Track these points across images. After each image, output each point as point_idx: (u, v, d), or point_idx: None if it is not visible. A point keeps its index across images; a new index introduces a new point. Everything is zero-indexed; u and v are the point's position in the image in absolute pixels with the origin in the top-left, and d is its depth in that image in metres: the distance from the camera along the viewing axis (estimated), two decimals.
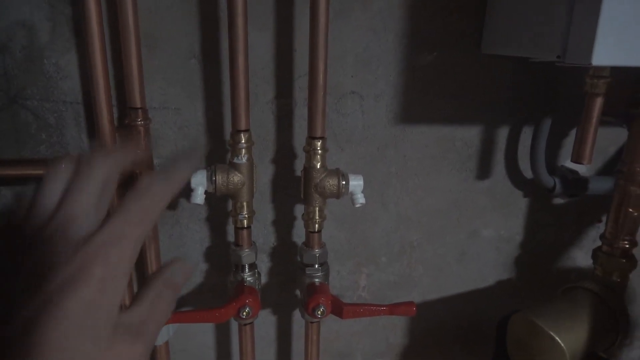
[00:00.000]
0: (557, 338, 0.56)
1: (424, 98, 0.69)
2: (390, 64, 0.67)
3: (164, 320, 0.31)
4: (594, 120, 0.57)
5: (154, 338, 0.30)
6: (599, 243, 0.68)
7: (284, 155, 0.69)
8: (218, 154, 0.67)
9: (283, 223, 0.72)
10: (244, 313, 0.59)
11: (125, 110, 0.61)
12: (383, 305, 0.61)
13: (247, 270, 0.65)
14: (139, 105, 0.60)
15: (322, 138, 0.61)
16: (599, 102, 0.56)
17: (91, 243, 0.27)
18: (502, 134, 0.72)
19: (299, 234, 0.73)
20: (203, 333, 0.77)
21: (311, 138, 0.61)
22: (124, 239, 0.27)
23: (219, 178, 0.60)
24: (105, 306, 0.28)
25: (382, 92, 0.68)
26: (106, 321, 0.28)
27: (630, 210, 0.63)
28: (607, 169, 0.75)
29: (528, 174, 0.73)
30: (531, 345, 0.59)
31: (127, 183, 0.65)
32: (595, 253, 0.67)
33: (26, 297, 0.26)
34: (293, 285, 0.76)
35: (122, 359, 0.28)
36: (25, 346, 0.25)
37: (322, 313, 0.61)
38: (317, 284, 0.65)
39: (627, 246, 0.64)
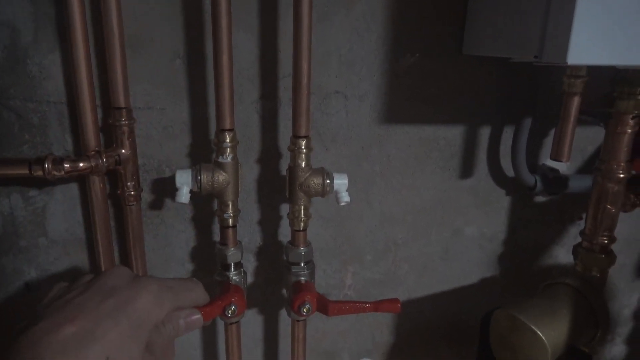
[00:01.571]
0: (538, 332, 0.57)
1: (407, 98, 0.70)
2: (374, 65, 0.67)
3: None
4: (572, 118, 0.59)
5: None
6: (579, 240, 0.69)
7: (269, 154, 0.69)
8: (203, 154, 0.68)
9: (269, 222, 0.72)
10: (230, 311, 0.59)
11: (109, 111, 0.61)
12: (368, 303, 0.62)
13: (232, 269, 0.65)
14: (123, 105, 0.60)
15: (306, 137, 0.61)
16: (576, 101, 0.58)
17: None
18: (485, 133, 0.73)
19: (285, 234, 0.73)
20: (189, 334, 0.77)
21: (295, 137, 0.61)
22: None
23: (204, 177, 0.60)
24: (154, 316, 0.43)
25: (366, 92, 0.69)
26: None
27: (609, 206, 0.64)
28: (586, 168, 0.77)
29: (510, 172, 0.75)
30: (513, 340, 0.60)
31: (112, 179, 0.66)
32: (576, 249, 0.69)
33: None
34: (279, 285, 0.76)
35: None
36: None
37: (308, 310, 0.62)
38: (303, 282, 0.66)
39: (606, 242, 0.66)
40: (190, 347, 0.78)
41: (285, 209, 0.72)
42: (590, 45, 0.45)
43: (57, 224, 0.68)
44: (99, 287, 0.42)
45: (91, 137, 0.61)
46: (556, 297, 0.64)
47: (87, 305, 0.39)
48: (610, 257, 0.66)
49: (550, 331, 0.58)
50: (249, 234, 0.73)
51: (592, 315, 0.64)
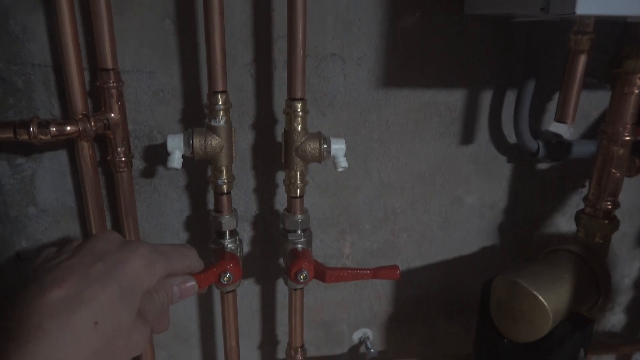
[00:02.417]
0: (539, 297, 0.56)
1: (406, 61, 0.67)
2: (372, 26, 0.65)
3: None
4: (578, 78, 0.56)
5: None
6: (582, 207, 0.68)
7: (264, 120, 0.67)
8: (196, 120, 0.65)
9: (265, 190, 0.71)
10: (225, 279, 0.58)
11: (97, 73, 0.59)
12: (366, 269, 0.60)
13: (227, 237, 0.64)
14: (110, 67, 0.58)
15: (302, 99, 0.59)
16: (582, 60, 0.56)
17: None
18: (486, 98, 0.71)
19: (281, 202, 0.72)
20: (184, 305, 0.76)
21: (291, 99, 0.59)
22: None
23: (197, 141, 0.58)
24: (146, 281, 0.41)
25: (364, 54, 0.66)
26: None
27: (613, 170, 0.63)
28: (590, 134, 0.75)
29: (512, 139, 0.73)
30: (514, 306, 0.59)
31: (102, 146, 0.63)
32: (578, 215, 0.67)
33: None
34: (276, 254, 0.75)
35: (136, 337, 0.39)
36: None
37: (305, 278, 0.60)
38: (300, 249, 0.64)
39: (610, 207, 0.64)
40: (187, 317, 0.77)
41: (281, 177, 0.70)
42: None
43: (47, 193, 0.66)
44: (88, 251, 0.40)
45: (78, 100, 0.59)
46: (558, 263, 0.63)
47: (75, 269, 0.38)
48: (614, 222, 0.65)
49: (551, 296, 0.57)
50: (245, 202, 0.71)
51: (594, 281, 0.63)
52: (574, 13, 0.43)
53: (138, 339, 0.39)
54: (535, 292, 0.57)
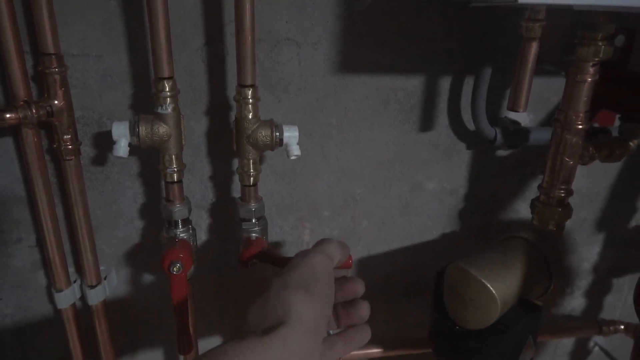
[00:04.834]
0: (487, 284, 0.57)
1: (363, 46, 0.66)
2: (327, 8, 0.63)
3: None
4: (529, 65, 0.56)
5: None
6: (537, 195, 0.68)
7: (217, 106, 0.65)
8: (147, 105, 0.64)
9: (220, 178, 0.70)
10: (175, 269, 0.57)
11: (39, 58, 0.57)
12: None
13: (180, 226, 0.63)
14: (52, 51, 0.56)
15: (252, 86, 0.58)
16: (534, 47, 0.55)
17: None
18: (445, 84, 0.70)
19: (238, 189, 0.71)
20: (145, 290, 0.75)
21: (241, 86, 0.58)
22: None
23: (143, 129, 0.56)
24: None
25: (320, 38, 0.65)
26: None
27: (566, 159, 0.63)
28: (549, 120, 0.75)
29: (471, 125, 0.72)
30: (464, 292, 0.59)
31: (49, 132, 0.62)
32: (533, 203, 0.68)
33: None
34: (235, 242, 0.74)
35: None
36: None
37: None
38: (254, 238, 0.64)
39: (563, 195, 0.65)
40: (152, 298, 0.76)
41: (237, 163, 0.69)
42: None
43: None
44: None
45: (19, 86, 0.57)
46: (510, 250, 0.64)
47: None
48: (567, 210, 0.66)
49: (499, 284, 0.57)
50: (201, 190, 0.70)
51: (546, 268, 0.64)
52: (516, 1, 0.42)
53: None
54: (483, 280, 0.57)
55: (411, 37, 0.66)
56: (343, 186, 0.74)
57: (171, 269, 0.58)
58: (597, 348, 0.98)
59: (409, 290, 0.84)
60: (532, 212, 0.68)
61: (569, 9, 0.57)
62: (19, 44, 0.56)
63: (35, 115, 0.56)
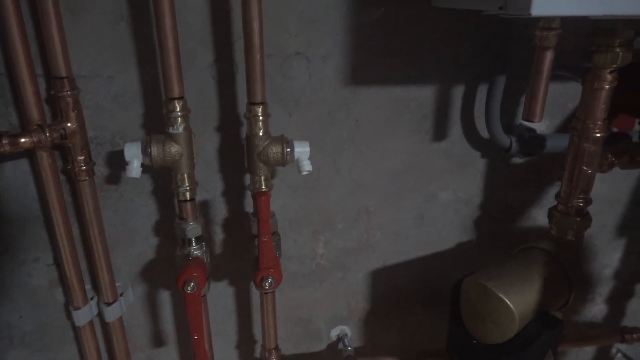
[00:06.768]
0: (506, 300, 0.56)
1: (374, 57, 0.65)
2: (337, 21, 0.63)
3: None
4: (544, 75, 0.54)
5: None
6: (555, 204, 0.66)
7: (229, 122, 0.65)
8: (159, 124, 0.64)
9: (233, 193, 0.70)
10: (189, 288, 0.57)
11: (51, 81, 0.57)
12: None
13: (194, 243, 0.63)
14: (64, 75, 0.56)
15: (262, 103, 0.58)
16: (549, 56, 0.54)
17: None
18: (458, 93, 0.69)
19: (251, 204, 0.71)
20: (160, 307, 0.76)
21: (251, 104, 0.58)
22: None
23: (155, 150, 0.57)
24: None
25: (330, 52, 0.64)
26: None
27: (584, 168, 0.61)
28: (566, 126, 0.73)
29: (485, 133, 0.71)
30: (482, 307, 0.58)
31: (64, 153, 0.62)
32: (551, 212, 0.66)
33: None
34: (248, 256, 0.74)
35: None
36: None
37: (270, 285, 0.60)
38: None
39: (582, 204, 0.63)
40: (163, 320, 0.77)
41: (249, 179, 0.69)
42: None
43: (10, 201, 0.65)
44: None
45: (33, 110, 0.57)
46: (528, 262, 0.62)
47: None
48: (586, 219, 0.64)
49: (518, 298, 0.56)
50: (214, 206, 0.70)
51: (565, 280, 0.62)
52: (530, 14, 0.41)
53: None
54: (501, 295, 0.56)
55: (422, 47, 0.65)
56: (356, 198, 0.73)
57: (185, 288, 0.58)
58: (619, 355, 0.96)
59: (425, 300, 0.83)
60: (549, 222, 0.66)
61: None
62: (32, 68, 0.56)
63: (49, 139, 0.57)
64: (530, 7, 0.41)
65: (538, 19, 0.52)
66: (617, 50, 0.55)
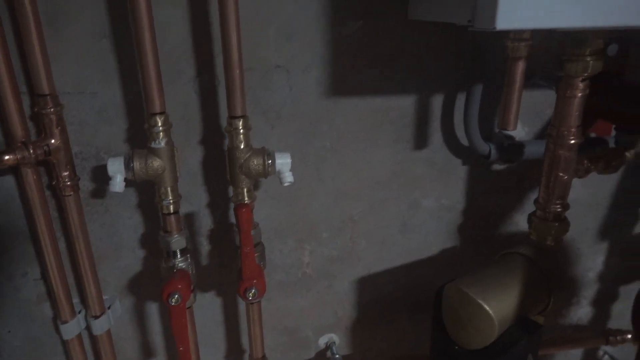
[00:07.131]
0: (485, 306, 0.56)
1: (353, 68, 0.66)
2: (317, 34, 0.64)
3: None
4: (517, 85, 0.56)
5: None
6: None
7: (212, 135, 0.66)
8: (142, 138, 0.65)
9: (218, 205, 0.71)
10: (173, 300, 0.58)
11: (34, 98, 0.58)
12: None
13: (179, 256, 0.64)
14: (47, 92, 0.57)
15: (243, 117, 0.59)
16: (520, 66, 0.55)
17: None
18: (437, 102, 0.70)
19: None
20: (148, 319, 0.76)
21: (231, 118, 0.59)
22: None
23: (137, 164, 0.57)
24: None
25: (310, 64, 0.65)
26: None
27: (561, 174, 0.62)
28: (544, 133, 0.75)
29: (466, 141, 0.72)
30: (462, 313, 0.59)
31: (49, 169, 0.63)
32: (530, 218, 0.67)
33: None
34: (234, 267, 0.75)
35: None
36: None
37: (254, 295, 0.61)
38: None
39: (559, 210, 0.64)
40: (152, 331, 0.77)
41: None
42: (518, 9, 0.42)
43: None
44: None
45: (17, 127, 0.58)
46: (508, 268, 0.63)
47: None
48: (564, 224, 0.65)
49: (498, 304, 0.57)
50: (199, 218, 0.71)
51: (544, 284, 0.63)
52: (494, 28, 0.43)
53: None
54: (481, 302, 0.57)
55: (401, 58, 0.67)
56: (340, 207, 0.74)
57: (169, 300, 0.58)
58: (607, 357, 0.97)
59: (410, 307, 0.84)
60: (529, 227, 0.68)
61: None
62: (15, 86, 0.57)
63: (33, 156, 0.58)
64: (495, 21, 0.42)
65: (506, 32, 0.54)
66: (588, 59, 0.56)
